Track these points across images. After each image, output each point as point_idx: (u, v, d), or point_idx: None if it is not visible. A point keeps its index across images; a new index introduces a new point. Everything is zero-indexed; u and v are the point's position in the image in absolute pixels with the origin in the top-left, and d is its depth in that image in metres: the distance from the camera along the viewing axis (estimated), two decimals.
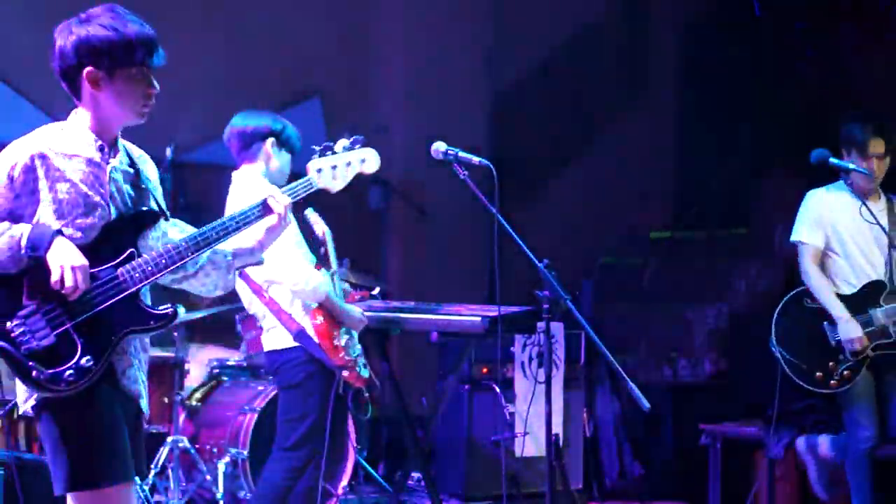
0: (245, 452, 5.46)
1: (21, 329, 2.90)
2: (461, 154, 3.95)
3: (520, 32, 8.56)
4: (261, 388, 5.69)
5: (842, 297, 5.04)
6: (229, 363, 6.14)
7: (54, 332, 2.92)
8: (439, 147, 3.99)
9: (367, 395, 4.57)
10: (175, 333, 5.67)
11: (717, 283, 7.43)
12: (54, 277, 2.90)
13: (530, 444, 6.06)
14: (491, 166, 3.91)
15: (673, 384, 7.48)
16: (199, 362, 6.30)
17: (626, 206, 8.69)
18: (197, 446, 5.67)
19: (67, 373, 2.92)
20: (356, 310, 4.63)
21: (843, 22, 7.89)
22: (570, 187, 8.88)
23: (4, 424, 5.89)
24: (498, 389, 5.92)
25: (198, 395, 5.94)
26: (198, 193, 6.01)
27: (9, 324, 2.89)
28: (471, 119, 8.14)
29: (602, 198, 8.77)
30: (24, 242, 2.90)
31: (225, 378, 6.04)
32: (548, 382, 3.86)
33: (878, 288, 5.07)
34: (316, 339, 4.44)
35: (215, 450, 5.61)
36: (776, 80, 8.30)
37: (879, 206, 5.13)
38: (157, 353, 5.60)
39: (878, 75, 7.47)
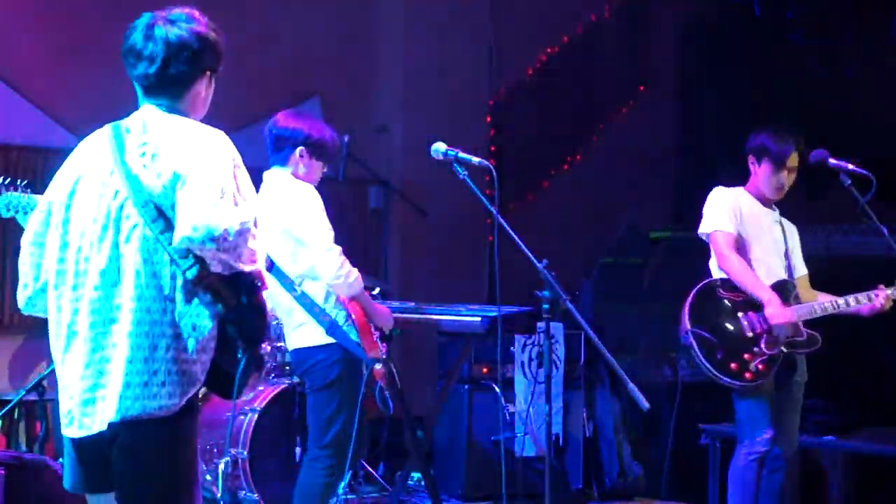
0: (245, 452, 5.46)
1: None
2: (461, 154, 3.95)
3: (520, 32, 8.57)
4: (261, 388, 5.69)
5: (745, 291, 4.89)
6: None
7: None
8: (439, 147, 3.99)
9: (387, 392, 4.55)
10: None
11: None
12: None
13: (530, 444, 6.07)
14: (491, 166, 3.91)
15: (673, 384, 7.48)
16: None
17: (626, 206, 8.69)
18: (197, 446, 5.66)
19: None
20: (385, 309, 4.64)
21: (843, 23, 7.89)
22: (569, 187, 8.89)
23: (4, 424, 5.90)
24: (498, 389, 5.93)
25: (198, 395, 5.93)
26: None
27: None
28: (471, 119, 8.15)
29: (602, 198, 8.78)
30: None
31: None
32: (548, 382, 3.86)
33: (787, 288, 4.95)
34: (354, 334, 4.43)
35: (215, 450, 5.60)
36: (776, 81, 8.31)
37: (774, 217, 5.08)
38: None
39: (877, 77, 7.48)
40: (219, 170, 2.79)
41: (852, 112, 7.83)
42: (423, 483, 5.91)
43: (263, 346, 2.95)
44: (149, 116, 2.95)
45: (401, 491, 5.76)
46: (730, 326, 4.82)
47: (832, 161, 4.87)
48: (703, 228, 5.00)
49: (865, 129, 7.62)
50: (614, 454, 6.63)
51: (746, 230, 4.96)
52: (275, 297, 4.55)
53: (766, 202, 5.06)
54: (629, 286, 8.12)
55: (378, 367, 4.42)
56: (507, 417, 6.05)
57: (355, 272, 4.43)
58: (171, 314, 2.82)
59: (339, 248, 4.41)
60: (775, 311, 4.79)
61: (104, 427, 2.83)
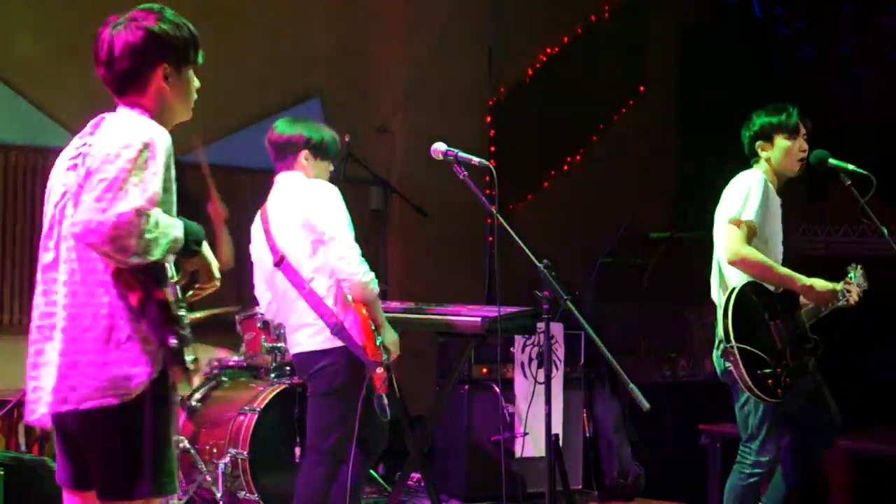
0: (245, 453, 5.46)
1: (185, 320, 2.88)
2: (461, 154, 3.95)
3: (520, 32, 8.57)
4: (261, 388, 5.69)
5: (772, 296, 4.56)
6: (229, 363, 6.14)
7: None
8: (439, 147, 3.99)
9: (386, 400, 4.51)
10: None
11: None
12: (216, 272, 3.02)
13: (530, 444, 6.07)
14: (490, 167, 3.91)
15: (673, 384, 7.49)
16: (199, 362, 6.30)
17: (626, 206, 8.70)
18: (197, 446, 5.67)
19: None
20: (394, 332, 4.58)
21: (842, 22, 7.90)
22: (569, 187, 8.90)
23: (4, 424, 5.90)
24: (498, 389, 5.92)
25: (197, 395, 5.93)
26: (197, 194, 6.01)
27: (181, 311, 2.86)
28: (471, 119, 8.15)
29: (602, 198, 8.78)
30: (181, 235, 2.86)
31: (225, 378, 6.04)
32: (548, 382, 3.86)
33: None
34: (357, 334, 4.41)
35: (215, 450, 5.61)
36: (775, 80, 8.31)
37: (779, 201, 4.76)
38: None
39: (877, 76, 7.48)
40: (117, 163, 2.74)
41: (852, 112, 7.84)
42: (423, 483, 5.91)
43: (172, 340, 2.84)
44: (111, 115, 2.99)
45: (401, 491, 5.75)
46: (766, 338, 4.46)
47: (832, 161, 4.84)
48: (742, 214, 4.53)
49: (865, 129, 7.63)
50: (614, 454, 6.63)
51: (771, 219, 4.65)
52: (281, 294, 4.56)
53: (778, 189, 4.77)
54: (629, 286, 8.13)
55: (379, 371, 4.40)
56: (507, 417, 6.05)
57: (372, 275, 4.43)
58: (108, 307, 2.84)
59: (358, 248, 4.41)
60: (816, 287, 4.51)
61: (38, 416, 2.92)
